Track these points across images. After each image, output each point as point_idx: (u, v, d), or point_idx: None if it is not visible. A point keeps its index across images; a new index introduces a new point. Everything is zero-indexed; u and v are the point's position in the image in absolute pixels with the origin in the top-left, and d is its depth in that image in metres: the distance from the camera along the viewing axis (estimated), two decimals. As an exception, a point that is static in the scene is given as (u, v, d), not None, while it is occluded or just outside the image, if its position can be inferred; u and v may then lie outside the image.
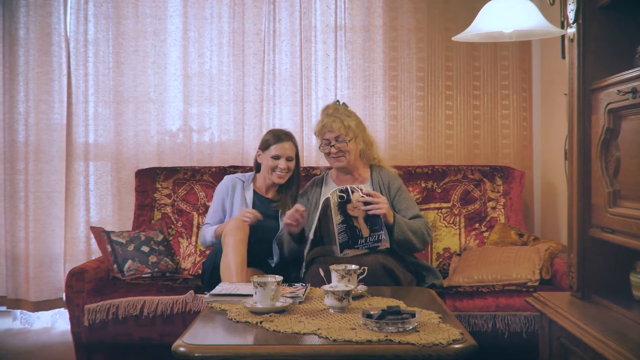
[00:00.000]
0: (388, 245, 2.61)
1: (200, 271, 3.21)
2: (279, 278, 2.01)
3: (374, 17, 3.74)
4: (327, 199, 2.57)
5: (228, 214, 3.03)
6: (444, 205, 3.40)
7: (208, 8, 3.76)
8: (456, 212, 3.39)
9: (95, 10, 3.75)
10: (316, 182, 3.08)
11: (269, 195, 3.07)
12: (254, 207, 2.99)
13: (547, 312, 2.09)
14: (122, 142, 3.77)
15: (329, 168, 3.16)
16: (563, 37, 3.18)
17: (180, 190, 3.51)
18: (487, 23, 2.42)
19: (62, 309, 3.80)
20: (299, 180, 3.10)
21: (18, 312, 3.83)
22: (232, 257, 2.62)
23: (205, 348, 1.67)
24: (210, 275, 2.86)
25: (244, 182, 3.07)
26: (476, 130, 3.77)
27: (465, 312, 2.70)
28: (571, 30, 2.17)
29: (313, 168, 3.53)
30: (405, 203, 2.86)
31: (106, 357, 2.93)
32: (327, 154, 2.92)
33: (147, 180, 3.54)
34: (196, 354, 1.63)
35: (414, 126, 3.77)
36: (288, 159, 2.97)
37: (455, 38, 2.57)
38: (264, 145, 2.99)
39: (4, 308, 3.87)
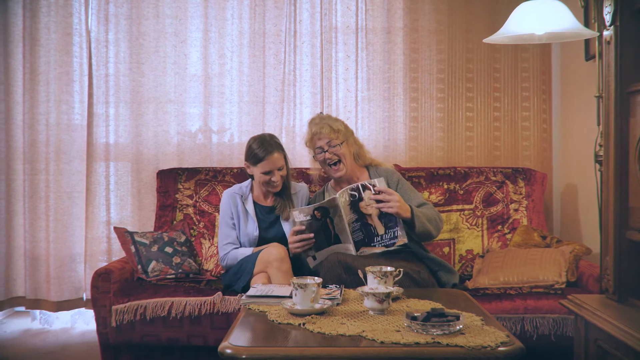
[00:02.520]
0: (406, 241, 2.61)
1: (222, 272, 3.21)
2: (319, 280, 2.01)
3: (395, 18, 3.75)
4: (334, 199, 2.56)
5: (237, 229, 3.03)
6: (466, 207, 3.40)
7: (229, 9, 3.76)
8: (478, 214, 3.39)
9: (116, 11, 3.75)
10: (317, 196, 3.12)
11: (268, 203, 3.07)
12: (257, 219, 3.00)
13: (584, 315, 2.09)
14: (142, 143, 3.77)
15: (327, 179, 3.19)
16: (587, 39, 3.19)
17: (202, 191, 3.51)
18: (520, 25, 2.42)
19: (82, 309, 3.82)
20: (289, 179, 3.06)
21: (37, 312, 3.83)
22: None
23: (252, 350, 1.66)
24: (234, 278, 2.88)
25: (241, 195, 3.05)
26: (496, 132, 3.78)
27: (493, 314, 2.69)
28: (607, 33, 2.17)
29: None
30: (408, 194, 2.89)
31: (132, 358, 2.93)
32: (323, 162, 2.96)
33: (169, 180, 3.54)
34: (244, 356, 1.63)
35: (434, 128, 3.77)
36: (279, 169, 2.92)
37: (486, 40, 2.57)
38: (253, 160, 2.92)
39: (22, 308, 3.87)
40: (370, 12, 3.75)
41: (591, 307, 2.07)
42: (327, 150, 2.92)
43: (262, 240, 2.99)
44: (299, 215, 2.64)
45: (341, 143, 2.93)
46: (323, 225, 2.61)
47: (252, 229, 2.98)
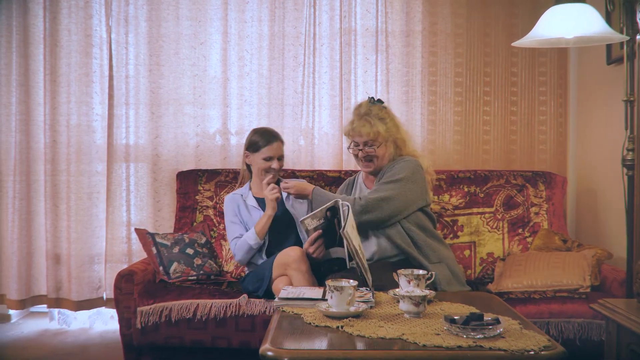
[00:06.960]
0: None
1: (243, 274, 3.22)
2: (354, 283, 2.02)
3: (414, 22, 3.76)
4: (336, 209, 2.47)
5: (243, 226, 3.05)
6: (487, 210, 3.41)
7: (248, 11, 3.76)
8: (499, 217, 3.39)
9: (136, 13, 3.75)
10: (348, 184, 3.10)
11: None
12: (261, 209, 3.04)
13: (617, 319, 2.09)
14: (161, 144, 3.78)
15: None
16: (608, 44, 3.20)
17: (222, 193, 3.51)
18: (550, 29, 2.43)
19: (101, 309, 3.84)
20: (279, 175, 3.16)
21: (56, 312, 3.84)
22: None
23: (294, 352, 1.67)
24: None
25: (242, 195, 3.12)
26: (513, 135, 3.79)
27: (519, 317, 2.70)
28: (640, 38, 2.18)
29: (354, 171, 3.53)
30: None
31: (155, 359, 2.93)
32: (356, 157, 2.89)
33: (189, 182, 3.55)
34: (286, 359, 1.64)
35: (451, 131, 3.78)
36: (279, 159, 3.05)
37: (515, 44, 2.58)
38: (254, 147, 3.05)
39: (44, 307, 3.89)
40: (389, 15, 3.75)
41: (624, 311, 2.08)
42: (362, 149, 2.82)
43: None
44: (312, 222, 2.63)
45: (378, 146, 2.82)
46: (330, 226, 2.60)
47: (258, 216, 3.01)
